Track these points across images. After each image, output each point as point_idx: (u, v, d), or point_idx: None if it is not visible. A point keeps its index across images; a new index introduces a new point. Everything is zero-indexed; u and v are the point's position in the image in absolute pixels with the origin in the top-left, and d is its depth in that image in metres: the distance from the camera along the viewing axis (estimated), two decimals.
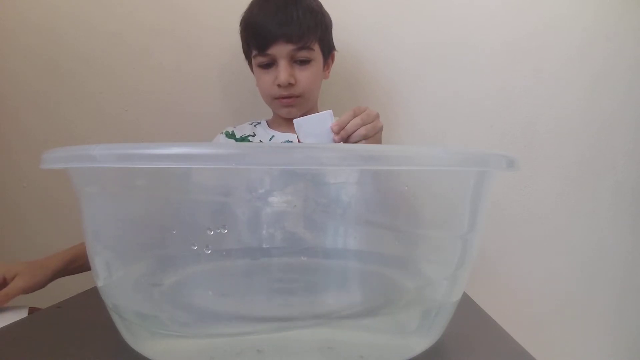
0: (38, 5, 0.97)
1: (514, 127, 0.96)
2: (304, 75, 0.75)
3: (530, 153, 0.97)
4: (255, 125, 0.86)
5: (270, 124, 0.86)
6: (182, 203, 0.32)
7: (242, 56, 0.82)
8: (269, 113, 0.87)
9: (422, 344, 0.35)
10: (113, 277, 0.35)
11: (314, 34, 0.73)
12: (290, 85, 0.74)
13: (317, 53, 0.76)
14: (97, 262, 0.35)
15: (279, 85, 0.74)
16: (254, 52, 0.75)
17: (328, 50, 0.80)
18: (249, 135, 0.84)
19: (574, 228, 0.98)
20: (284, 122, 0.82)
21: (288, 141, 0.79)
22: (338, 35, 0.84)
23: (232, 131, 0.85)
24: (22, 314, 0.58)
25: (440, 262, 0.36)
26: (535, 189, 0.97)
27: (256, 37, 0.73)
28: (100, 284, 0.36)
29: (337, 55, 0.85)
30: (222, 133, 0.85)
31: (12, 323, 0.44)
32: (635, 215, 0.98)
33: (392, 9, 0.95)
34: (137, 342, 0.35)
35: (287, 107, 0.77)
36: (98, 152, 0.27)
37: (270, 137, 0.83)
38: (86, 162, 0.29)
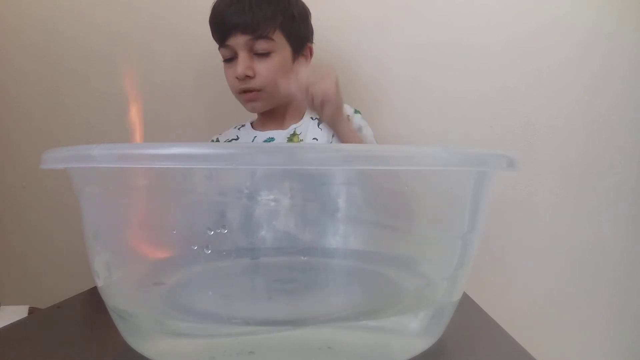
0: (39, 4, 0.97)
1: (514, 127, 0.96)
2: (263, 68, 0.71)
3: (530, 153, 0.97)
4: (239, 129, 0.84)
5: (254, 125, 0.84)
6: (181, 203, 0.32)
7: None
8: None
9: (422, 344, 0.35)
10: (113, 277, 0.35)
11: (271, 23, 0.69)
12: (248, 78, 0.71)
13: (279, 44, 0.71)
14: (97, 262, 0.35)
15: (238, 78, 0.71)
16: (218, 46, 0.73)
17: (298, 42, 0.75)
18: (233, 140, 0.82)
19: (574, 228, 0.98)
20: (267, 120, 0.80)
21: (269, 139, 0.77)
22: (337, 36, 0.84)
23: (217, 138, 0.84)
24: (22, 314, 0.58)
25: (440, 262, 0.36)
26: (535, 189, 0.97)
27: (216, 28, 0.72)
28: (100, 284, 0.36)
29: (335, 56, 0.84)
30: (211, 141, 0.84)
31: (12, 323, 0.44)
32: (635, 215, 0.98)
33: (391, 9, 0.95)
34: (137, 342, 0.35)
35: (250, 102, 0.74)
36: (98, 152, 0.27)
37: (252, 138, 0.80)
38: (86, 162, 0.29)
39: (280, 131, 0.78)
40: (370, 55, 0.95)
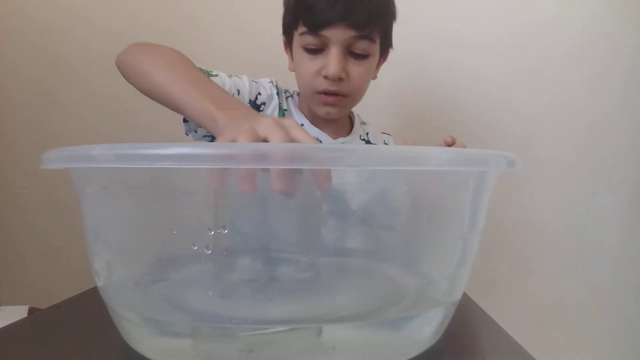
0: (39, 4, 0.97)
1: (514, 127, 0.96)
2: (357, 71, 0.61)
3: (530, 153, 0.97)
4: (287, 98, 0.71)
5: (300, 105, 0.71)
6: (182, 203, 0.32)
7: (244, 56, 0.80)
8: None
9: (422, 344, 0.35)
10: (113, 277, 0.35)
11: (380, 25, 0.61)
12: (339, 79, 0.60)
13: (376, 48, 0.63)
14: (97, 262, 0.35)
15: (325, 77, 0.60)
16: (303, 30, 0.60)
17: (386, 45, 0.67)
18: (285, 110, 0.69)
19: (574, 228, 0.98)
20: (317, 118, 0.69)
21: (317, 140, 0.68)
22: None
23: (276, 84, 0.69)
24: (22, 314, 0.58)
25: (440, 262, 0.36)
26: (535, 189, 0.97)
27: (312, 12, 0.59)
28: (100, 284, 0.36)
29: None
30: (270, 81, 0.68)
31: (12, 323, 0.44)
32: (635, 215, 0.98)
33: None
34: (137, 342, 0.35)
35: (329, 106, 0.63)
36: (98, 152, 0.27)
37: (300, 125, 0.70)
38: (86, 162, 0.29)
39: (330, 139, 0.69)
40: None
